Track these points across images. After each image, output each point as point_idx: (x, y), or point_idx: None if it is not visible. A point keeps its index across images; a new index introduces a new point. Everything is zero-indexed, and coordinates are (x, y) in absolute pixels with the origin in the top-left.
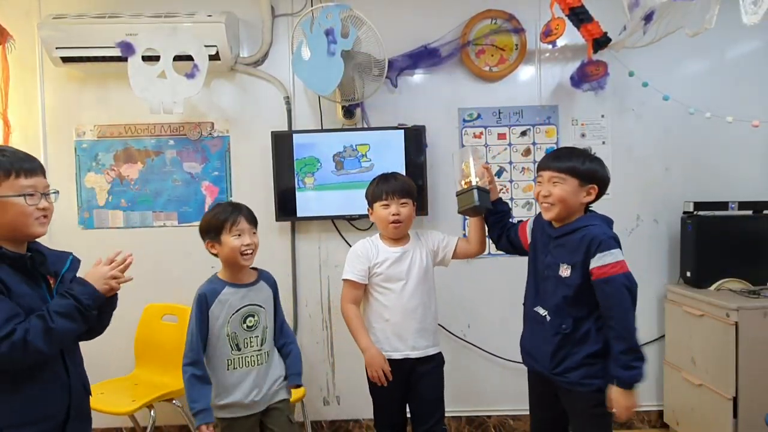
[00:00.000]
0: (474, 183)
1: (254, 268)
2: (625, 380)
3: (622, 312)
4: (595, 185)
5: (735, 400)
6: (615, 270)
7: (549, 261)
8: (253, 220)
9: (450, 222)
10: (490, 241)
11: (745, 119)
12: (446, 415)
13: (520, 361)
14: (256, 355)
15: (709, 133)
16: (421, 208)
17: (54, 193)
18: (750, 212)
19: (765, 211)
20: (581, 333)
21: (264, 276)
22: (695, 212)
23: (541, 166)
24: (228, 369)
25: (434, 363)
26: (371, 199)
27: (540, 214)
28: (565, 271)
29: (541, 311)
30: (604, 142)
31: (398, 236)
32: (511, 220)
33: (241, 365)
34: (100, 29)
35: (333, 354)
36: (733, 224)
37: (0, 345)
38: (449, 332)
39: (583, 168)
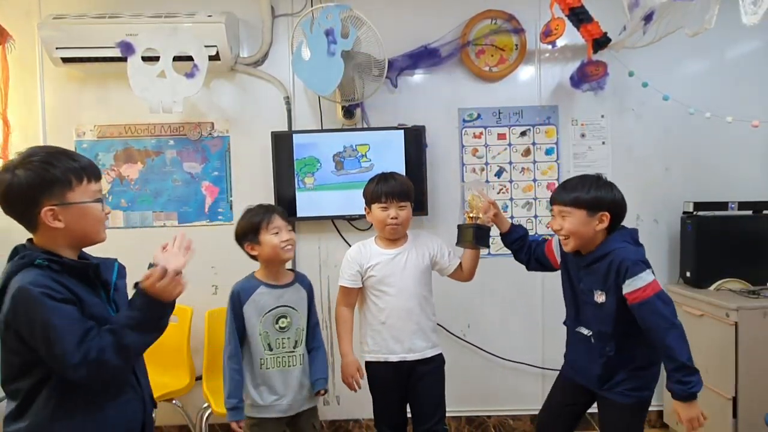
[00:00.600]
0: (475, 219)
1: (291, 270)
2: (680, 394)
3: (662, 332)
4: (605, 212)
5: (735, 400)
6: (647, 294)
7: (584, 287)
8: (286, 218)
9: (449, 223)
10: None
11: (745, 119)
12: (446, 415)
13: (520, 360)
14: (288, 357)
15: (708, 133)
16: (421, 208)
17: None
18: (750, 212)
19: (765, 211)
20: (626, 354)
21: (300, 278)
22: (695, 212)
23: (551, 200)
24: (261, 368)
25: (434, 364)
26: (369, 199)
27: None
28: (599, 297)
29: (585, 331)
30: (603, 142)
31: (395, 237)
32: (532, 239)
33: (274, 365)
34: (101, 29)
35: (333, 354)
36: (733, 224)
37: (78, 369)
38: (449, 332)
39: (588, 197)
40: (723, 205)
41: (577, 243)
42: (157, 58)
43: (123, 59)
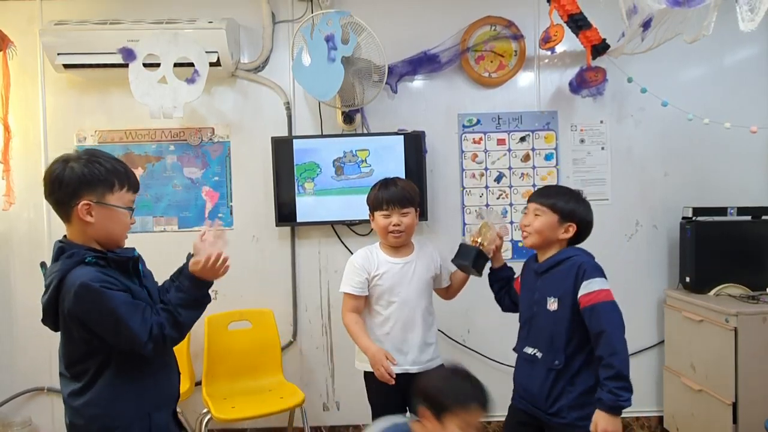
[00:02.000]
0: (479, 245)
1: None
2: (608, 404)
3: (610, 336)
4: (573, 224)
5: (735, 405)
6: (602, 297)
7: (537, 297)
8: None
9: (448, 227)
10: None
11: (743, 125)
12: None
13: None
14: None
15: (707, 139)
16: (420, 213)
17: (131, 209)
18: (749, 218)
19: (764, 217)
20: (574, 368)
21: None
22: (694, 218)
23: (530, 199)
24: None
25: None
26: (372, 206)
27: (526, 260)
28: (552, 305)
29: (530, 350)
30: (603, 148)
31: (399, 245)
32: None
33: None
34: (102, 35)
35: (332, 359)
36: (732, 230)
37: (147, 344)
38: (449, 338)
39: (565, 206)
40: (722, 211)
41: (535, 241)
42: (158, 64)
43: (124, 65)
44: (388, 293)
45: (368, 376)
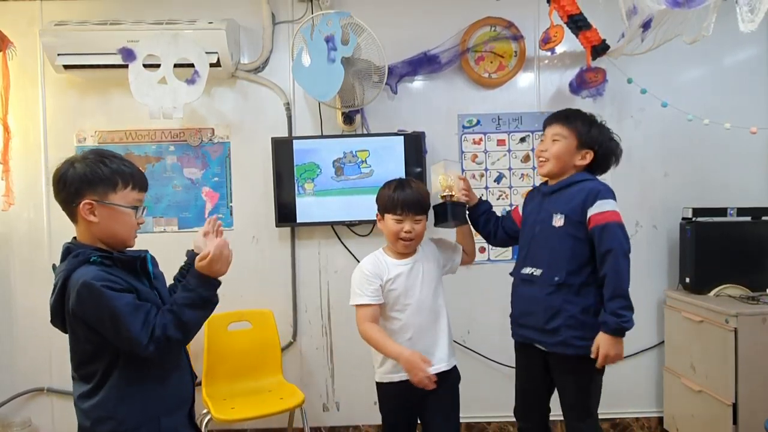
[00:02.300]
0: (449, 198)
1: None
2: (611, 326)
3: (616, 256)
4: (591, 151)
5: (735, 406)
6: (613, 217)
7: (542, 216)
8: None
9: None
10: (490, 247)
11: (743, 126)
12: None
13: None
14: None
15: (707, 139)
16: None
17: (145, 207)
18: (749, 218)
19: (763, 217)
20: (575, 286)
21: None
22: (694, 218)
23: (547, 122)
24: None
25: (451, 379)
26: (383, 207)
27: (531, 190)
28: (558, 221)
29: (529, 270)
30: None
31: (407, 252)
32: (499, 213)
33: None
34: (102, 36)
35: (332, 360)
36: (732, 230)
37: (148, 346)
38: None
39: (585, 130)
40: (722, 211)
41: (553, 168)
42: (158, 65)
43: (124, 66)
44: (403, 296)
45: (381, 387)
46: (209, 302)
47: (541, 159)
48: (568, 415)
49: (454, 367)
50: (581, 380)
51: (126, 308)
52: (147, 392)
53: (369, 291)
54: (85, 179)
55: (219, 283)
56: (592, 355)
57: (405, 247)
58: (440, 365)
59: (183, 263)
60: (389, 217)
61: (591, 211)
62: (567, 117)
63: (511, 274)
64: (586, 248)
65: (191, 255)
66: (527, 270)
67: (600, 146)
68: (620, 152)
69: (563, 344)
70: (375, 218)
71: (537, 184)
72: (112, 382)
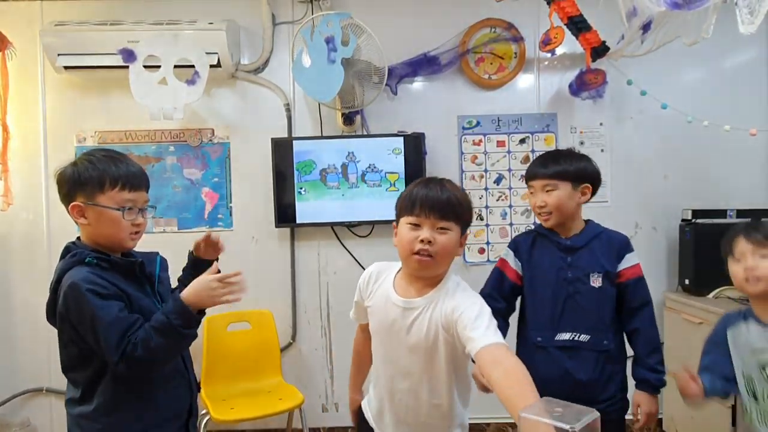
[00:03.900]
0: None
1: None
2: (653, 383)
3: (650, 312)
4: (588, 184)
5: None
6: (639, 272)
7: (572, 275)
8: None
9: None
10: (490, 249)
11: (743, 127)
12: None
13: None
14: None
15: (707, 141)
16: None
17: (151, 207)
18: (748, 220)
19: (763, 219)
20: (619, 347)
21: None
22: (694, 220)
23: (530, 175)
24: None
25: None
26: (399, 210)
27: (515, 239)
28: (596, 282)
29: (569, 335)
30: (602, 150)
31: (423, 275)
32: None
33: None
34: (102, 36)
35: (331, 361)
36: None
37: (118, 363)
38: None
39: (573, 169)
40: (721, 213)
41: (559, 219)
42: (158, 65)
43: (124, 66)
44: (376, 333)
45: (362, 415)
46: (179, 334)
47: (542, 214)
48: None
49: None
50: (614, 419)
51: (106, 318)
52: (137, 404)
53: (354, 303)
54: (73, 180)
55: (199, 317)
56: (634, 416)
57: (420, 268)
58: None
59: (185, 265)
60: (403, 222)
61: (622, 266)
62: (550, 164)
63: (530, 340)
64: (618, 305)
65: (190, 256)
66: (566, 335)
67: (593, 176)
68: (600, 173)
69: (615, 405)
70: (375, 219)
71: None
72: (100, 391)
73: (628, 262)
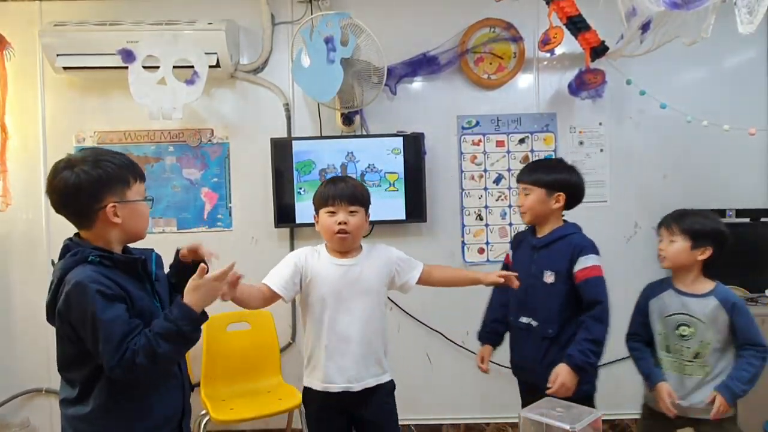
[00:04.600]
0: None
1: None
2: (576, 361)
3: (599, 310)
4: (561, 193)
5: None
6: (593, 273)
7: (535, 269)
8: None
9: (448, 229)
10: (489, 248)
11: (742, 127)
12: (444, 422)
13: None
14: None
15: (706, 141)
16: (420, 215)
17: (150, 200)
18: (747, 220)
19: (762, 219)
20: (566, 337)
21: None
22: None
23: (517, 178)
24: None
25: (383, 392)
26: (317, 205)
27: (520, 235)
28: (549, 278)
29: (526, 320)
30: (602, 150)
31: (345, 249)
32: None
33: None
34: (102, 36)
35: None
36: (731, 232)
37: (115, 369)
38: (449, 340)
39: (548, 178)
40: (721, 213)
41: (531, 218)
42: (157, 66)
43: (123, 67)
44: (327, 297)
45: (307, 392)
46: (187, 338)
47: (521, 212)
48: None
49: (390, 381)
50: None
51: (108, 322)
52: (131, 406)
53: (277, 276)
54: (102, 181)
55: (203, 319)
56: (549, 383)
57: (342, 243)
58: (369, 380)
59: (171, 262)
60: (323, 213)
61: (576, 267)
62: (529, 171)
63: (506, 320)
64: (574, 301)
65: (177, 253)
66: (524, 320)
67: (567, 186)
68: (582, 185)
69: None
70: (375, 219)
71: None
72: (95, 393)
73: (581, 264)
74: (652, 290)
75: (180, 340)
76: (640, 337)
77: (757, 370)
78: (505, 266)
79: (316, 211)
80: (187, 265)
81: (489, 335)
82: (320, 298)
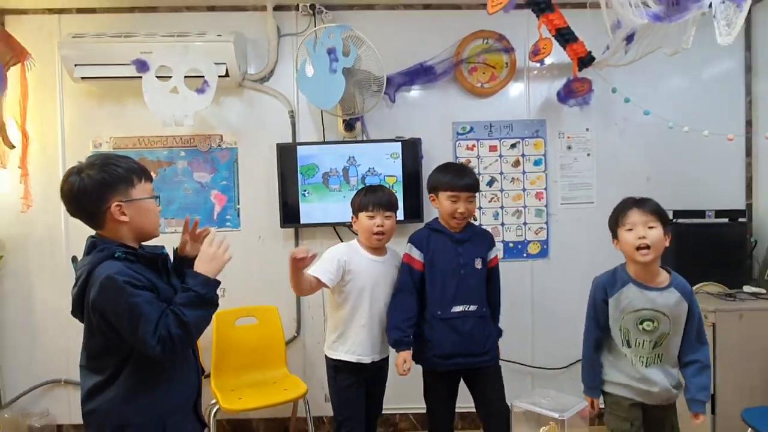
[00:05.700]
0: None
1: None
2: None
3: (499, 289)
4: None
5: (713, 397)
6: (497, 261)
7: (464, 261)
8: None
9: None
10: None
11: (721, 133)
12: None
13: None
14: None
15: (687, 146)
16: (417, 215)
17: (156, 197)
18: (726, 220)
19: (740, 219)
20: (488, 312)
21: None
22: (675, 220)
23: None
24: None
25: (387, 365)
26: (357, 208)
27: (412, 237)
28: (478, 264)
29: (461, 308)
30: (588, 154)
31: (380, 246)
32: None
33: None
34: (117, 48)
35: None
36: (711, 231)
37: (155, 347)
38: None
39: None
40: (701, 213)
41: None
42: (169, 75)
43: (138, 76)
44: (368, 288)
45: (342, 365)
46: (206, 301)
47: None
48: (499, 406)
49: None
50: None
51: (144, 307)
52: (155, 391)
53: (324, 270)
54: (106, 183)
55: (216, 282)
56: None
57: (378, 241)
58: (385, 354)
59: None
60: (363, 215)
61: (491, 255)
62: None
63: (434, 316)
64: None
65: (174, 252)
66: (460, 308)
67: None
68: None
69: (494, 359)
70: None
71: (525, 187)
72: (122, 378)
73: (493, 253)
74: (611, 287)
75: (201, 304)
76: (598, 342)
77: (710, 368)
78: (410, 267)
79: (355, 213)
80: (189, 260)
81: (411, 339)
82: (360, 287)
